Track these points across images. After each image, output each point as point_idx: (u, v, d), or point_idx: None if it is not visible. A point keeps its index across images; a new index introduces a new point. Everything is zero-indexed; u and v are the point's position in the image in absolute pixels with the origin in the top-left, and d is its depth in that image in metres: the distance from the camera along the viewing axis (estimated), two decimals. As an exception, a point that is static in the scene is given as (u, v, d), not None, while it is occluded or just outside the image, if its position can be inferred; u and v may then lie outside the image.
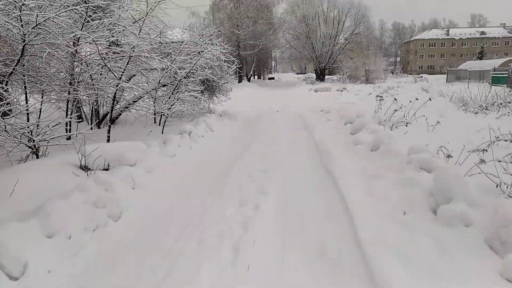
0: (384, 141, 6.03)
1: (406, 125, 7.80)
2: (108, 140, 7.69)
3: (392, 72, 62.19)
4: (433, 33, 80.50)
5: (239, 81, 39.48)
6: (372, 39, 52.84)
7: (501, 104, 11.03)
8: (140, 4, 8.65)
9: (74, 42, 7.31)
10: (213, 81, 11.50)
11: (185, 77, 10.30)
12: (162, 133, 9.47)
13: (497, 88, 13.78)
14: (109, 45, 8.54)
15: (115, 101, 8.09)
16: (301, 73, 74.24)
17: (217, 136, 9.20)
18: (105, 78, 7.74)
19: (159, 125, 9.95)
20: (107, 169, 5.51)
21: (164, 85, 10.86)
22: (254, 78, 51.46)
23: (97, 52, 7.01)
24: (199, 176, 5.71)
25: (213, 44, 12.32)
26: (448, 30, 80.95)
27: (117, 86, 7.53)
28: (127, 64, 7.54)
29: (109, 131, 7.64)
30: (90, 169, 5.39)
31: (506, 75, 27.91)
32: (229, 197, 4.66)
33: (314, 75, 48.55)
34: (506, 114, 8.91)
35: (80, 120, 11.35)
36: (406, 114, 8.64)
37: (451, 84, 30.24)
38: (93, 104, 9.82)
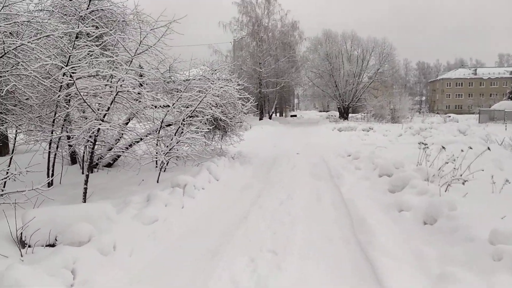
0: (444, 211, 4.25)
1: (463, 183, 5.98)
2: (85, 195, 6.23)
3: (419, 112, 60.16)
4: (459, 72, 78.52)
5: (260, 118, 38.43)
6: (397, 78, 51.53)
7: None
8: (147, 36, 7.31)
9: (68, 74, 6.08)
10: (224, 120, 10.10)
11: (191, 116, 8.95)
12: (158, 181, 7.97)
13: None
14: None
15: (95, 144, 6.70)
16: (324, 111, 72.91)
17: (222, 188, 7.60)
18: (81, 118, 6.42)
19: (161, 169, 8.41)
20: (53, 245, 3.97)
21: (169, 125, 9.54)
22: (275, 115, 50.51)
23: (75, 86, 5.71)
24: (178, 257, 4.02)
25: (227, 79, 11.09)
26: (475, 70, 78.86)
27: (99, 125, 6.15)
28: (111, 103, 6.20)
29: (86, 183, 6.17)
30: (28, 245, 3.87)
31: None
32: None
33: (337, 113, 47.17)
34: None
35: (74, 163, 10.10)
36: (458, 167, 6.84)
37: (486, 125, 28.01)
38: (86, 145, 8.51)
